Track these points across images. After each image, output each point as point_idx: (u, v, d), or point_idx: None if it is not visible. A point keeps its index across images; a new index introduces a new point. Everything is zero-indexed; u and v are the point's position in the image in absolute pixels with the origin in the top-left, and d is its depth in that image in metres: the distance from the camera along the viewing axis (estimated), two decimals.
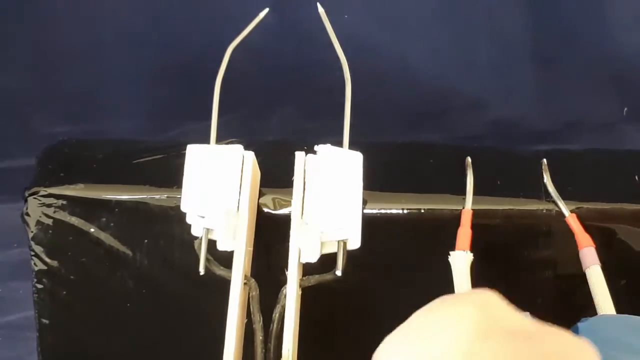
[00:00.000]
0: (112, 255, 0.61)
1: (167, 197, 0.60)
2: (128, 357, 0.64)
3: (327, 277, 0.55)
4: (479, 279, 0.56)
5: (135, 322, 0.63)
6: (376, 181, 0.59)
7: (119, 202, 0.61)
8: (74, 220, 0.61)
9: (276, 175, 0.59)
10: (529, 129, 1.06)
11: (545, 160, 0.62)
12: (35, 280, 0.62)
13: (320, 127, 0.70)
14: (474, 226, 0.58)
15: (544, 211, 0.60)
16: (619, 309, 0.56)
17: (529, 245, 0.61)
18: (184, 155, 0.59)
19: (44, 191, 0.61)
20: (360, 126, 0.60)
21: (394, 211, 0.60)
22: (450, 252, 0.57)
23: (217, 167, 0.56)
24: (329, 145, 0.57)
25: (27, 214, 0.61)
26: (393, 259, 0.61)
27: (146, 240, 0.61)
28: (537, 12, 1.06)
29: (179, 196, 0.57)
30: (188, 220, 0.56)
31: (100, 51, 1.01)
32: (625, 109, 1.09)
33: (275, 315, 0.54)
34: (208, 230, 0.55)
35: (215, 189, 0.56)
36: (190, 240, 0.56)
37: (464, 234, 0.58)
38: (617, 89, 1.10)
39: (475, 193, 0.60)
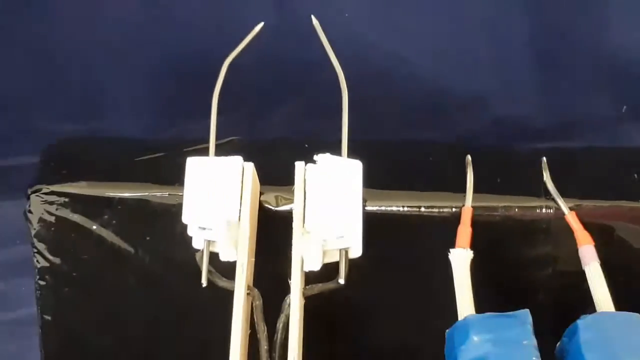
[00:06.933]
0: (114, 252, 0.61)
1: (168, 194, 0.60)
2: (129, 353, 0.64)
3: (330, 285, 0.55)
4: (479, 277, 0.56)
5: (137, 320, 0.63)
6: (376, 179, 0.59)
7: (121, 200, 0.61)
8: (76, 218, 0.61)
9: (278, 174, 0.59)
10: (529, 127, 1.06)
11: (544, 158, 0.61)
12: (37, 277, 0.62)
13: (321, 125, 0.70)
14: (474, 224, 0.58)
15: (544, 209, 0.60)
16: (618, 307, 0.56)
17: (529, 243, 0.60)
18: (185, 153, 0.59)
19: (46, 189, 0.61)
20: (360, 124, 0.60)
21: (394, 209, 0.60)
22: (451, 250, 0.57)
23: (217, 179, 0.57)
24: (328, 155, 0.57)
25: (30, 212, 0.61)
26: (393, 256, 0.61)
27: (148, 238, 0.61)
28: (537, 11, 1.06)
29: (180, 194, 0.57)
30: (189, 232, 0.56)
31: (102, 51, 1.01)
32: (624, 107, 1.09)
33: (280, 324, 0.54)
34: (209, 242, 0.56)
35: (216, 201, 0.56)
36: (192, 238, 0.56)
37: (464, 231, 0.58)
38: (616, 87, 1.09)
39: (475, 191, 0.60)
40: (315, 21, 0.60)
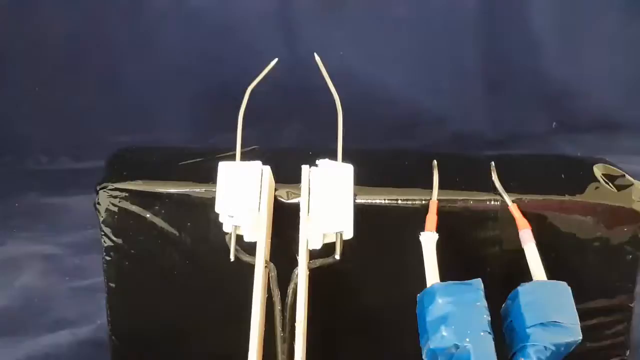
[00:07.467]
0: (163, 235, 0.61)
1: (205, 190, 0.60)
2: (174, 311, 0.64)
3: (329, 260, 0.55)
4: (442, 254, 0.56)
5: (180, 287, 0.63)
6: (364, 178, 0.59)
7: (169, 194, 0.61)
8: (134, 208, 0.61)
9: (288, 174, 0.59)
10: (481, 138, 1.07)
11: (493, 162, 0.61)
12: (104, 254, 0.62)
13: (321, 138, 0.70)
14: (439, 213, 0.58)
15: (492, 201, 0.60)
16: (549, 276, 0.56)
17: (481, 228, 0.60)
18: (217, 159, 0.59)
19: (111, 186, 0.61)
20: (351, 136, 0.60)
21: (377, 201, 0.60)
22: (421, 233, 0.57)
23: (242, 178, 0.57)
24: (327, 160, 0.58)
25: (99, 203, 0.61)
26: (377, 238, 0.61)
27: (189, 224, 0.61)
28: (487, 46, 1.06)
29: (214, 190, 0.57)
30: (220, 219, 0.57)
31: (156, 79, 1.01)
32: (554, 123, 1.10)
33: (290, 290, 0.55)
34: (236, 227, 0.56)
35: (241, 194, 0.56)
36: (222, 223, 0.56)
37: (431, 219, 0.58)
38: (548, 107, 1.10)
39: (440, 188, 0.60)
40: (317, 57, 0.60)
